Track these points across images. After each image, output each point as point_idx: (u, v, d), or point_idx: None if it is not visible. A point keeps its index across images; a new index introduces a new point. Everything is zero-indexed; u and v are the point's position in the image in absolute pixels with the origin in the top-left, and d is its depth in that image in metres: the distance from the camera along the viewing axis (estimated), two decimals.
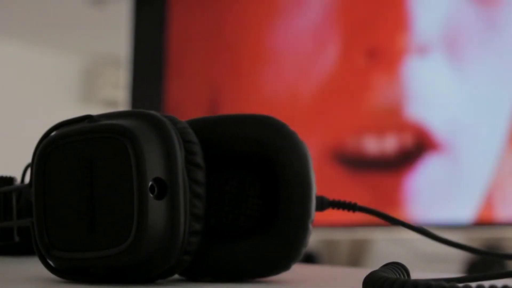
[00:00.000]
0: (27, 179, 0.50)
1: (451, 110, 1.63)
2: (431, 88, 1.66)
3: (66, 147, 0.44)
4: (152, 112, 0.44)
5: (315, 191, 0.47)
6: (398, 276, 0.41)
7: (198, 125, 0.47)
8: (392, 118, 1.70)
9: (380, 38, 1.75)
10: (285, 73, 1.85)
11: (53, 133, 0.45)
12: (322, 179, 0.70)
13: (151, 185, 0.42)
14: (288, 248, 0.46)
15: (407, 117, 1.68)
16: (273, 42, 1.86)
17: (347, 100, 1.79)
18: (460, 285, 0.33)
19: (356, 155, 1.74)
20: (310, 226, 0.47)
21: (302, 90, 1.83)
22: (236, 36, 1.94)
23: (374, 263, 2.12)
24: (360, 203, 0.53)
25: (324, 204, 0.51)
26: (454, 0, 1.65)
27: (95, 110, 3.39)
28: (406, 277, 0.42)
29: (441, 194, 1.64)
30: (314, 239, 1.93)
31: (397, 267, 0.42)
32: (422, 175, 1.64)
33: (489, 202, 1.55)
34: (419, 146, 1.65)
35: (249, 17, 1.94)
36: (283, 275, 0.51)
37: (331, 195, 0.53)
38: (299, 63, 1.84)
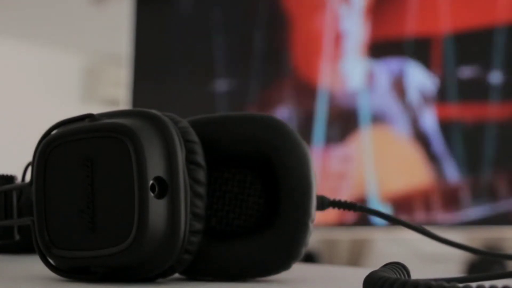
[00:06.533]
0: (27, 177, 0.50)
1: None
2: None
3: (67, 145, 0.44)
4: (153, 111, 0.44)
5: (315, 190, 0.47)
6: (398, 276, 0.41)
7: (199, 124, 0.47)
8: None
9: None
10: None
11: (54, 132, 0.45)
12: None
13: (152, 184, 0.42)
14: (288, 248, 0.46)
15: None
16: None
17: None
18: (461, 285, 0.33)
19: None
20: (311, 226, 0.47)
21: None
22: None
23: (375, 263, 2.11)
24: None
25: (324, 203, 0.51)
26: None
27: (96, 109, 3.39)
28: (407, 277, 0.42)
29: None
30: (315, 238, 1.93)
31: (398, 267, 0.42)
32: None
33: None
34: None
35: None
36: (283, 275, 0.51)
37: None
38: None
